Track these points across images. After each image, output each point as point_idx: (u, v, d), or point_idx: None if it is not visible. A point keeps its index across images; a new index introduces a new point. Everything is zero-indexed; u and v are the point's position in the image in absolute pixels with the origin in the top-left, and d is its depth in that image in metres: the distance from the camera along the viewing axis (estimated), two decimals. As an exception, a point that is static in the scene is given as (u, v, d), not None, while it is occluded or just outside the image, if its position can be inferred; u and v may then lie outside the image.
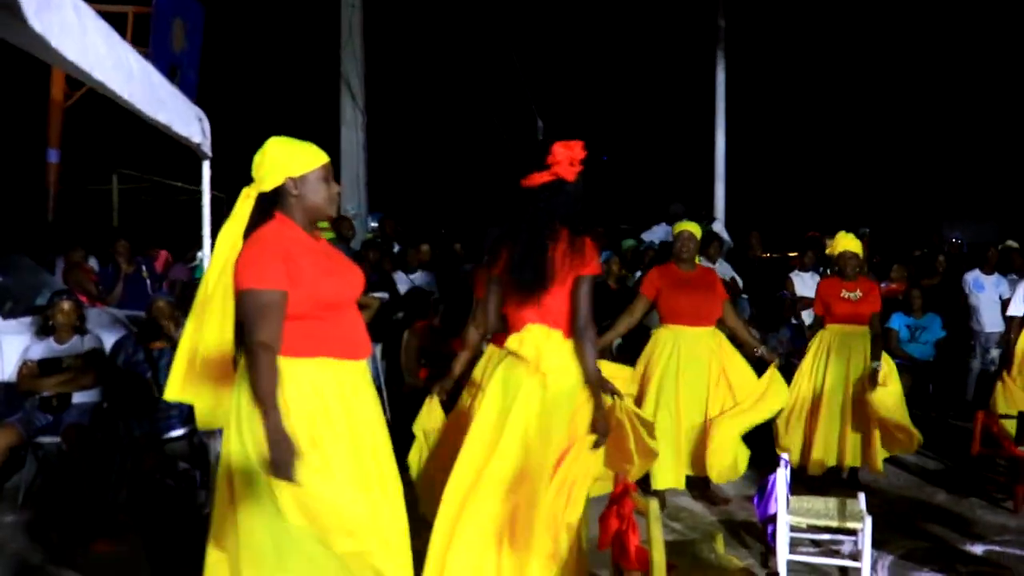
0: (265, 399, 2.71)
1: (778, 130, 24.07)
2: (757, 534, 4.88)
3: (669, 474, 5.47)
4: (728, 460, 5.45)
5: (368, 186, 10.83)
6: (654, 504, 2.98)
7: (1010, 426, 5.90)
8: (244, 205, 2.91)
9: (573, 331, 3.36)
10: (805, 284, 8.66)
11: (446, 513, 3.34)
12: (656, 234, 10.47)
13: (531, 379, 3.32)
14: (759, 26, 17.85)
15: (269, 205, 2.92)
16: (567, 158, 3.45)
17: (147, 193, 14.09)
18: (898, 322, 8.46)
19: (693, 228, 5.73)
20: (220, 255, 2.91)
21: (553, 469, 3.30)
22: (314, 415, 2.84)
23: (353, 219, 10.20)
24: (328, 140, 9.70)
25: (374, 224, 11.53)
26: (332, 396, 2.89)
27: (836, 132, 25.27)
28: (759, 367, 5.65)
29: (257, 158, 2.92)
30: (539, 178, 3.45)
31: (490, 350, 4.49)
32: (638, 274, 8.50)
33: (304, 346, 2.85)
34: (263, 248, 2.82)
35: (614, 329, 5.70)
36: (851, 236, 6.15)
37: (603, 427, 3.39)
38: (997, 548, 4.98)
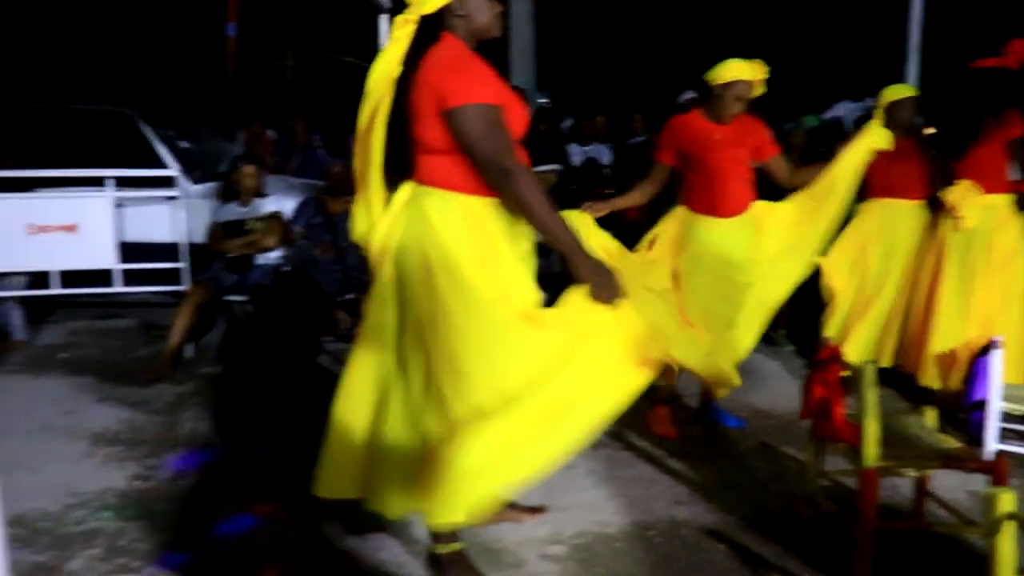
0: (555, 224, 2.55)
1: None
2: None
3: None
4: None
5: (537, 59, 10.52)
6: (869, 368, 2.73)
7: None
8: (404, 31, 2.64)
9: None
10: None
11: None
12: (836, 112, 9.78)
13: None
14: None
15: (433, 28, 2.65)
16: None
17: (320, 69, 14.27)
18: None
19: (910, 92, 5.13)
20: (377, 85, 2.63)
21: None
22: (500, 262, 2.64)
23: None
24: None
25: (543, 100, 11.27)
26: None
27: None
28: None
29: None
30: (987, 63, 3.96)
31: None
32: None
33: (472, 183, 2.61)
34: (472, 59, 2.61)
35: None
36: None
37: None
38: None
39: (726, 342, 4.19)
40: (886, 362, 5.06)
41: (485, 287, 2.54)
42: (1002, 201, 4.76)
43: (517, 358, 2.53)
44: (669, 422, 4.40)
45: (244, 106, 9.34)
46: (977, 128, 4.61)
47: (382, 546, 3.16)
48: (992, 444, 3.99)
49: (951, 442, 3.07)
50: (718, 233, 4.19)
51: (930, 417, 3.18)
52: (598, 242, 4.33)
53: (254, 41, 12.01)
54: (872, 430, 2.70)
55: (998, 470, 2.87)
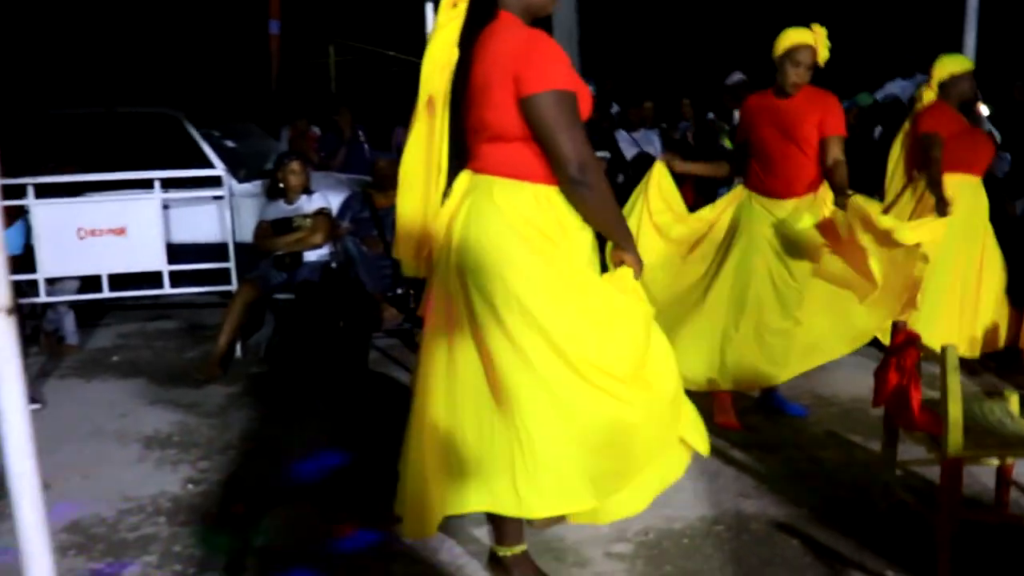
0: (620, 223, 2.62)
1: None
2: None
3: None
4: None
5: (581, 45, 10.34)
6: (952, 351, 2.56)
7: None
8: (452, 13, 2.47)
9: None
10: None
11: None
12: (889, 90, 9.48)
13: None
14: None
15: (487, 7, 2.49)
16: None
17: (362, 64, 14.25)
18: None
19: (967, 64, 4.99)
20: (431, 73, 2.47)
21: None
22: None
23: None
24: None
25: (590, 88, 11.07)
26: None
27: None
28: None
29: None
30: None
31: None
32: (879, 130, 7.75)
33: (542, 172, 2.46)
34: (548, 40, 2.42)
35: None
36: None
37: None
38: None
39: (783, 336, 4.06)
40: (964, 350, 4.86)
41: (566, 264, 2.47)
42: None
43: (624, 322, 2.49)
44: (731, 412, 4.25)
45: (288, 103, 9.32)
46: None
47: (439, 547, 3.07)
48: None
49: (1037, 428, 2.90)
50: (770, 214, 4.03)
51: (1014, 402, 3.00)
52: (669, 196, 4.25)
53: (297, 37, 11.99)
54: (956, 417, 2.54)
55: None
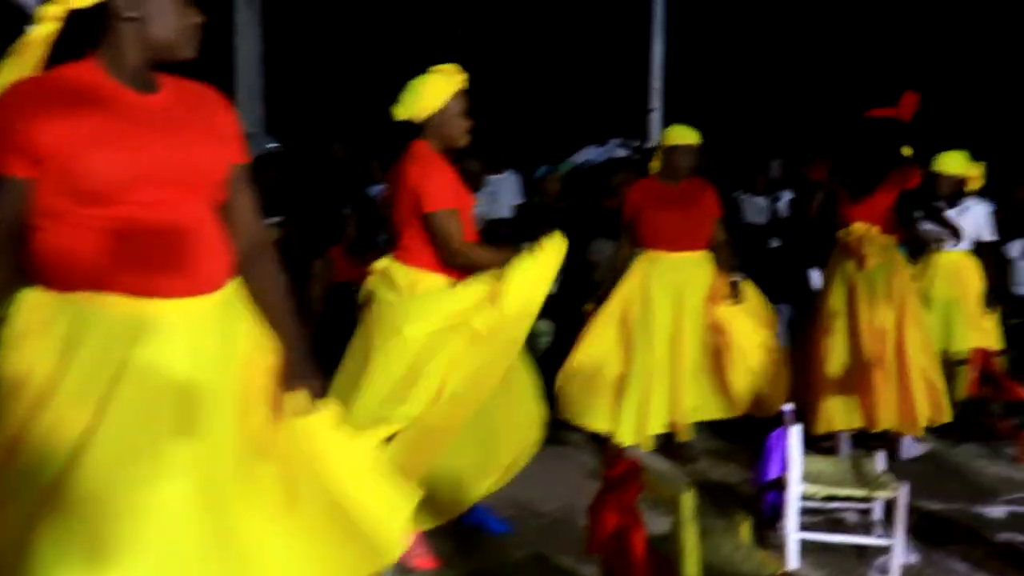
0: None
1: (736, 33, 19.61)
2: (738, 499, 4.03)
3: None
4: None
5: (266, 101, 9.59)
6: (687, 496, 2.02)
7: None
8: (40, 33, 1.85)
9: None
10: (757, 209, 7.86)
11: None
12: (586, 156, 9.52)
13: None
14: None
15: (85, 32, 1.84)
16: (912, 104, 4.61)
17: None
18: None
19: (690, 137, 4.80)
20: None
21: None
22: None
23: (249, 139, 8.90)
24: (221, 49, 8.46)
25: (273, 145, 10.29)
26: None
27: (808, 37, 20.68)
28: None
29: None
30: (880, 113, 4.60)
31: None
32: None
33: None
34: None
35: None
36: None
37: None
38: (1020, 508, 4.24)
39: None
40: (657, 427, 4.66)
41: None
42: (893, 243, 4.83)
43: None
44: (425, 548, 3.43)
45: None
46: (880, 175, 4.73)
47: None
48: (792, 535, 3.47)
49: (769, 563, 2.46)
50: None
51: (744, 531, 2.55)
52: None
53: None
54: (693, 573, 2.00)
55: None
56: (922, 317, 4.86)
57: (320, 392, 2.09)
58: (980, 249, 5.47)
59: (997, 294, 5.52)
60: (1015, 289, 6.88)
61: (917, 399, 4.61)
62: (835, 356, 4.75)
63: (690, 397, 4.66)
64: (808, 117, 13.61)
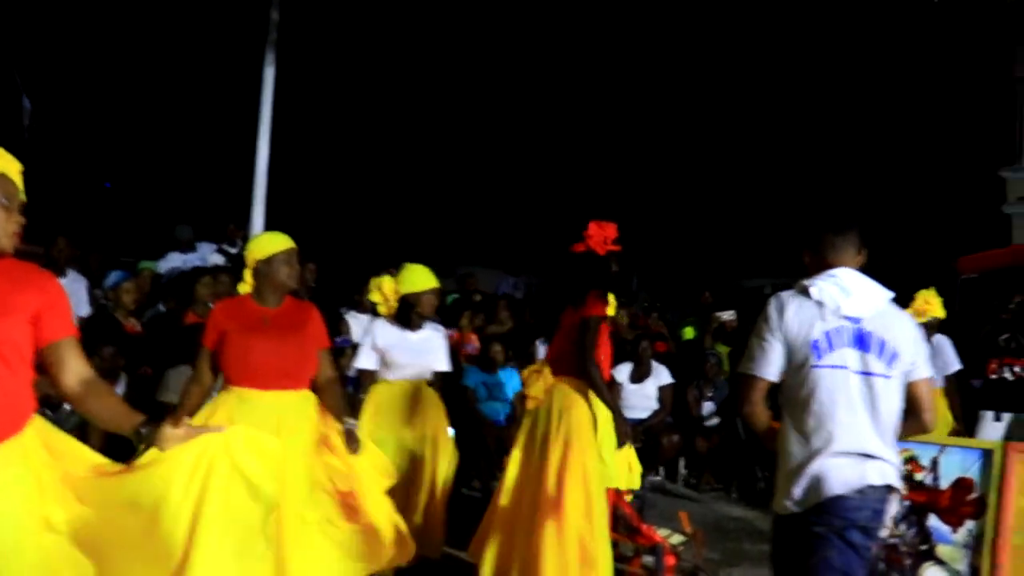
0: None
1: (342, 141, 18.03)
2: None
3: None
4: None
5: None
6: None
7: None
8: None
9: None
10: (360, 325, 6.92)
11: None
12: (172, 263, 8.71)
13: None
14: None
15: None
16: (600, 236, 4.41)
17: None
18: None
19: (287, 245, 3.95)
20: None
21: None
22: None
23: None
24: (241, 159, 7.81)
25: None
26: None
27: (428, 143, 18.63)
28: None
29: None
30: (576, 248, 4.39)
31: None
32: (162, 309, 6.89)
33: None
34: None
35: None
36: None
37: None
38: None
39: None
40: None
41: None
42: (569, 383, 4.42)
43: None
44: None
45: None
46: (559, 311, 4.59)
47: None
48: None
49: None
50: None
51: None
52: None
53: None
54: None
55: None
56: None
57: None
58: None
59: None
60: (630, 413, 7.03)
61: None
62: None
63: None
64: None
